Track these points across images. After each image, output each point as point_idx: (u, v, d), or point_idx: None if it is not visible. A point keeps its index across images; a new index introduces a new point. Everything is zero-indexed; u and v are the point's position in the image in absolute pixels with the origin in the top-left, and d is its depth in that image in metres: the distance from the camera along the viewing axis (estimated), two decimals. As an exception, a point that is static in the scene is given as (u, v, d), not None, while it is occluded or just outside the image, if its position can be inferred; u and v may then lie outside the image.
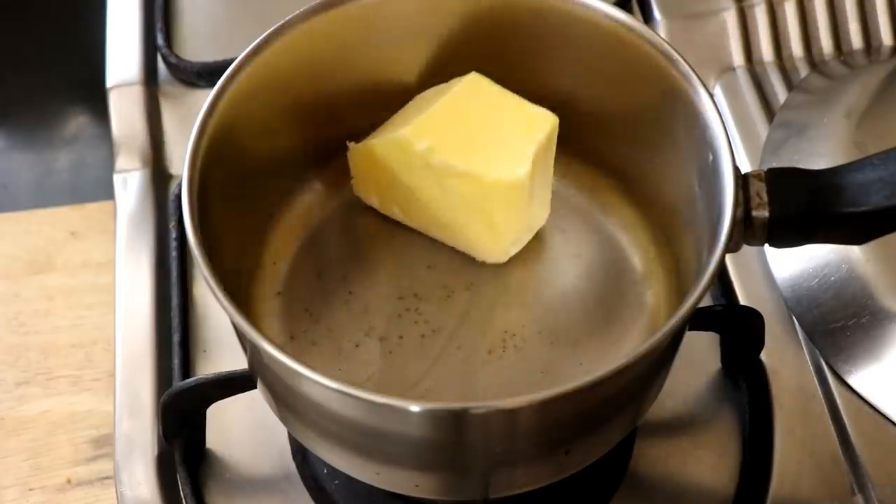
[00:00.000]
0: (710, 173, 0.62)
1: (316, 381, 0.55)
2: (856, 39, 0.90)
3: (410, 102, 0.72)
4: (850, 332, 0.75)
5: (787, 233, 0.61)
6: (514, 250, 0.71)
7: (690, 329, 0.67)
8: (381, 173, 0.70)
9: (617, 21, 0.67)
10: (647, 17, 0.92)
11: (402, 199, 0.71)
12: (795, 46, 0.90)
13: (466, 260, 0.71)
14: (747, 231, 0.61)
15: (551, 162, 0.70)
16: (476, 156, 0.67)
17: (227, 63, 0.66)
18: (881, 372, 0.74)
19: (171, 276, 0.81)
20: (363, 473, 0.63)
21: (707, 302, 0.77)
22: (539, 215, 0.71)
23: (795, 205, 0.61)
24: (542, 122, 0.68)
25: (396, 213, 0.72)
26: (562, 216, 0.73)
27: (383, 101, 0.72)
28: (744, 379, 0.75)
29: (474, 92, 0.69)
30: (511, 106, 0.69)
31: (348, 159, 0.72)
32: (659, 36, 0.66)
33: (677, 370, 0.70)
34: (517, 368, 0.67)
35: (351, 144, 0.71)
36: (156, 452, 0.74)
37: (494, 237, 0.70)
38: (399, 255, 0.71)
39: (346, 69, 0.71)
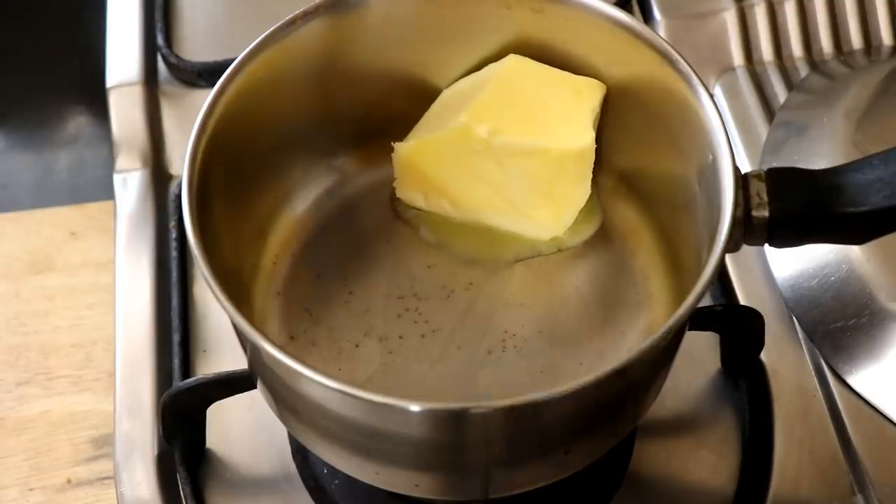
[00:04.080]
0: (710, 173, 0.62)
1: (316, 381, 0.55)
2: (856, 39, 0.90)
3: (440, 98, 0.72)
4: (850, 332, 0.75)
5: (786, 233, 0.61)
6: (570, 222, 0.71)
7: (690, 329, 0.67)
8: (431, 169, 0.70)
9: (617, 21, 0.67)
10: (647, 17, 0.92)
11: (454, 191, 0.71)
12: (795, 46, 0.90)
13: (467, 260, 0.71)
14: (747, 231, 0.61)
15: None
16: (537, 132, 0.68)
17: (227, 63, 0.66)
18: (881, 372, 0.74)
19: (171, 276, 0.81)
20: (363, 473, 0.63)
21: (707, 302, 0.77)
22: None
23: (795, 205, 0.61)
24: (592, 91, 0.69)
25: (445, 208, 0.72)
26: (561, 216, 0.73)
27: (383, 102, 0.72)
28: (744, 379, 0.75)
29: (518, 72, 0.70)
30: (557, 80, 0.70)
31: (393, 161, 0.71)
32: (659, 36, 0.66)
33: (677, 370, 0.71)
34: (517, 368, 0.67)
35: (396, 145, 0.71)
36: (156, 452, 0.74)
37: (555, 210, 0.70)
38: (399, 255, 0.71)
39: (346, 70, 0.71)
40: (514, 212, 0.71)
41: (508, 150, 0.68)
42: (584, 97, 0.69)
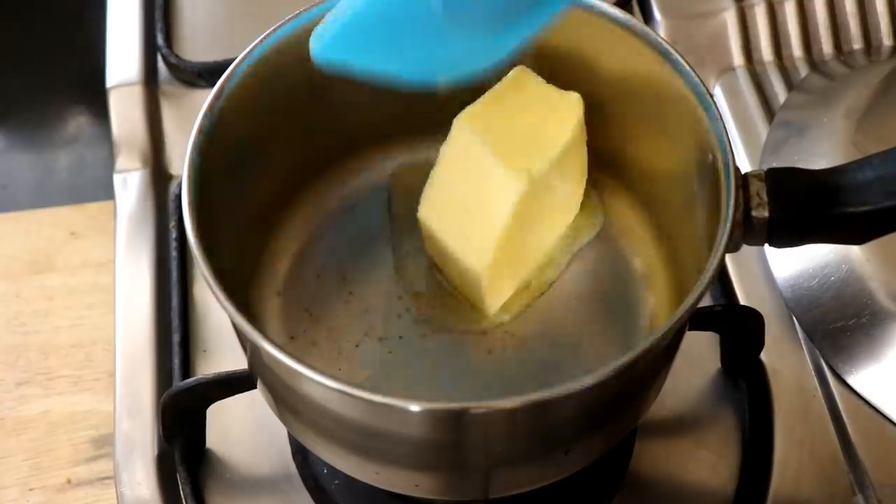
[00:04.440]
0: (710, 173, 0.62)
1: (316, 381, 0.55)
2: (856, 39, 0.90)
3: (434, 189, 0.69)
4: (850, 332, 0.75)
5: (786, 233, 0.61)
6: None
7: (691, 329, 0.67)
8: (520, 250, 0.68)
9: (616, 21, 0.67)
10: (647, 17, 0.92)
11: (535, 248, 0.70)
12: (795, 46, 0.90)
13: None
14: (747, 231, 0.61)
15: None
16: (530, 151, 0.66)
17: (227, 63, 0.66)
18: (881, 372, 0.74)
19: (171, 276, 0.81)
20: (362, 473, 0.63)
21: (707, 302, 0.77)
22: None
23: (795, 205, 0.61)
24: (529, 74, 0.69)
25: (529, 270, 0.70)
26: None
27: (384, 103, 0.72)
28: (744, 379, 0.75)
29: (480, 120, 0.68)
30: (498, 95, 0.68)
31: (475, 288, 0.68)
32: (659, 36, 0.66)
33: (677, 370, 0.71)
34: (517, 368, 0.67)
35: (482, 271, 0.67)
36: (156, 452, 0.74)
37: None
38: (399, 255, 0.71)
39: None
40: (571, 212, 0.71)
41: (554, 169, 0.67)
42: (531, 77, 0.69)
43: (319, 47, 0.57)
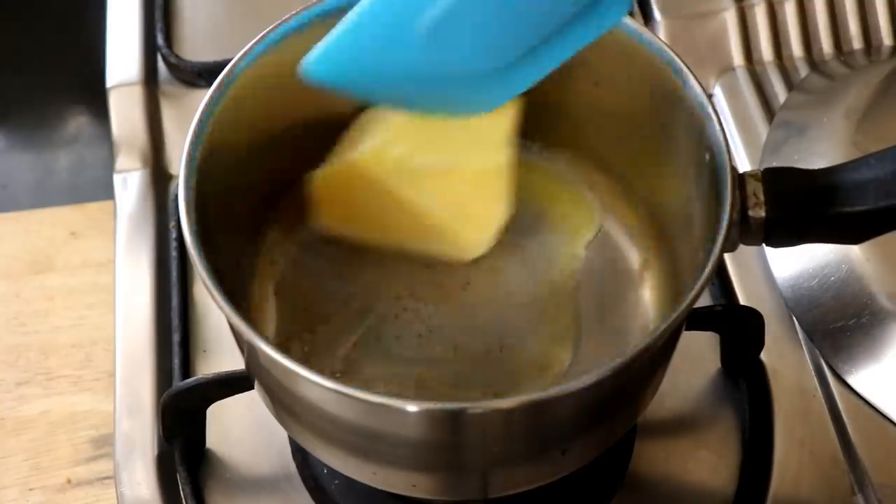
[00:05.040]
0: (708, 173, 0.62)
1: (313, 382, 0.55)
2: (856, 39, 0.90)
3: (357, 122, 0.70)
4: (850, 332, 0.75)
5: (783, 232, 0.61)
6: (491, 242, 0.69)
7: (691, 329, 0.67)
8: (347, 197, 0.68)
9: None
10: (647, 18, 0.92)
11: (373, 218, 0.69)
12: (795, 46, 0.90)
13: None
14: (744, 231, 0.61)
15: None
16: (453, 152, 0.66)
17: (226, 63, 0.66)
18: (881, 372, 0.74)
19: (171, 276, 0.81)
20: (360, 473, 0.63)
21: (707, 302, 0.77)
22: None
23: (792, 205, 0.61)
24: (506, 106, 0.67)
25: (366, 236, 0.70)
26: (559, 215, 0.72)
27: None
28: (744, 379, 0.75)
29: None
30: None
31: (306, 190, 0.69)
32: (656, 37, 0.66)
33: (678, 370, 0.71)
34: (514, 368, 0.67)
35: (308, 175, 0.68)
36: (156, 452, 0.74)
37: (475, 231, 0.69)
38: (396, 255, 0.71)
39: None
40: (434, 235, 0.69)
41: (424, 172, 0.66)
42: (501, 113, 0.67)
43: (305, 64, 0.58)
